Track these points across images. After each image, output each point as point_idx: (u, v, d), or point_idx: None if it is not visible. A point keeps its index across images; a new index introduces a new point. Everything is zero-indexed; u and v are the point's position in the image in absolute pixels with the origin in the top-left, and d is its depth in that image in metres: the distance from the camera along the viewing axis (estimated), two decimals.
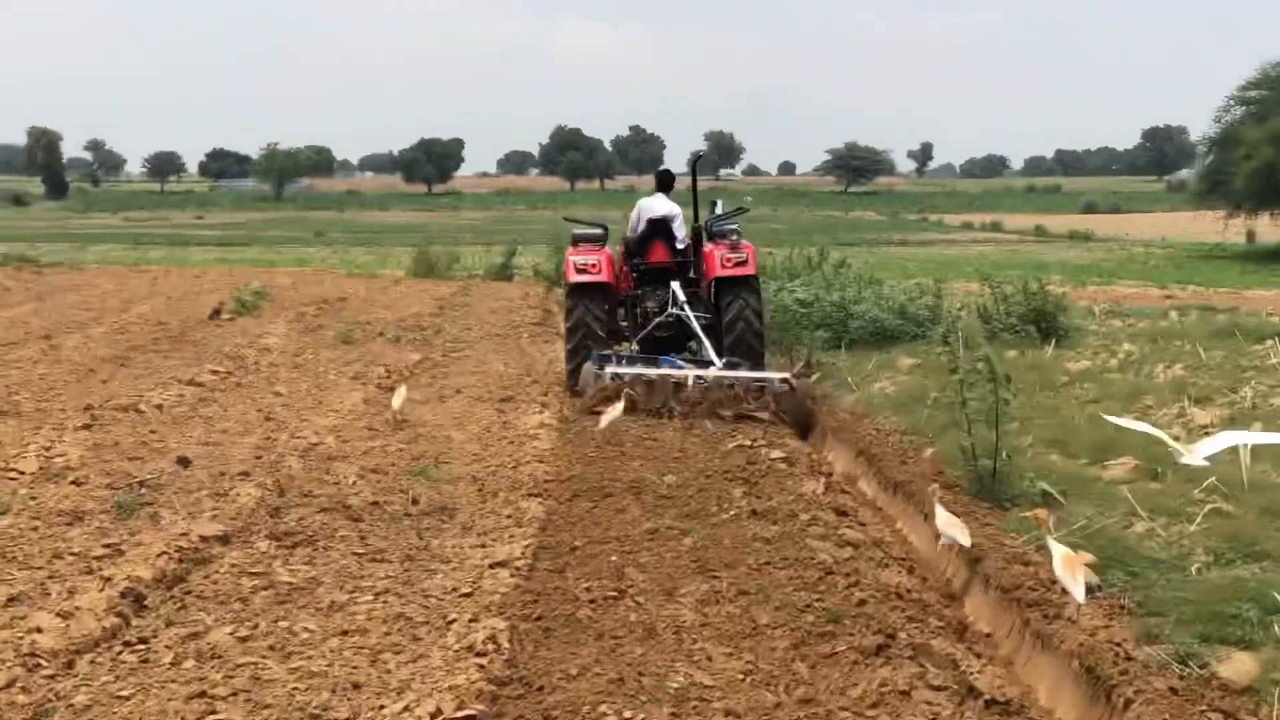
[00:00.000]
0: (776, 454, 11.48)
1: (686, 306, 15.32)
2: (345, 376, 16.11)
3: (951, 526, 8.45)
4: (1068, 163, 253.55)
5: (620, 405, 12.39)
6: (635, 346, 15.68)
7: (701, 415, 13.18)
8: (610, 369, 13.99)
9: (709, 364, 14.38)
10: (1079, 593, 7.06)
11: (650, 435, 12.65)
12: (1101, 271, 45.89)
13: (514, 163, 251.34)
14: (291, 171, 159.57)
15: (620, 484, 10.43)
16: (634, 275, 16.15)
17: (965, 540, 8.44)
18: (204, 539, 8.36)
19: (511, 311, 25.80)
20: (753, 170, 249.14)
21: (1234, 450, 11.34)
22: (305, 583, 7.62)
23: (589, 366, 14.21)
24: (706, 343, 14.90)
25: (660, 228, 16.10)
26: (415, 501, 9.61)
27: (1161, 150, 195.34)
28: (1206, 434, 12.78)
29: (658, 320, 15.58)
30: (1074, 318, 23.85)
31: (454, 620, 6.97)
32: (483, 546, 8.44)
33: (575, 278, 15.19)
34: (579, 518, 9.37)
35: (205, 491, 9.79)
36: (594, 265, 15.19)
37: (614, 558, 8.28)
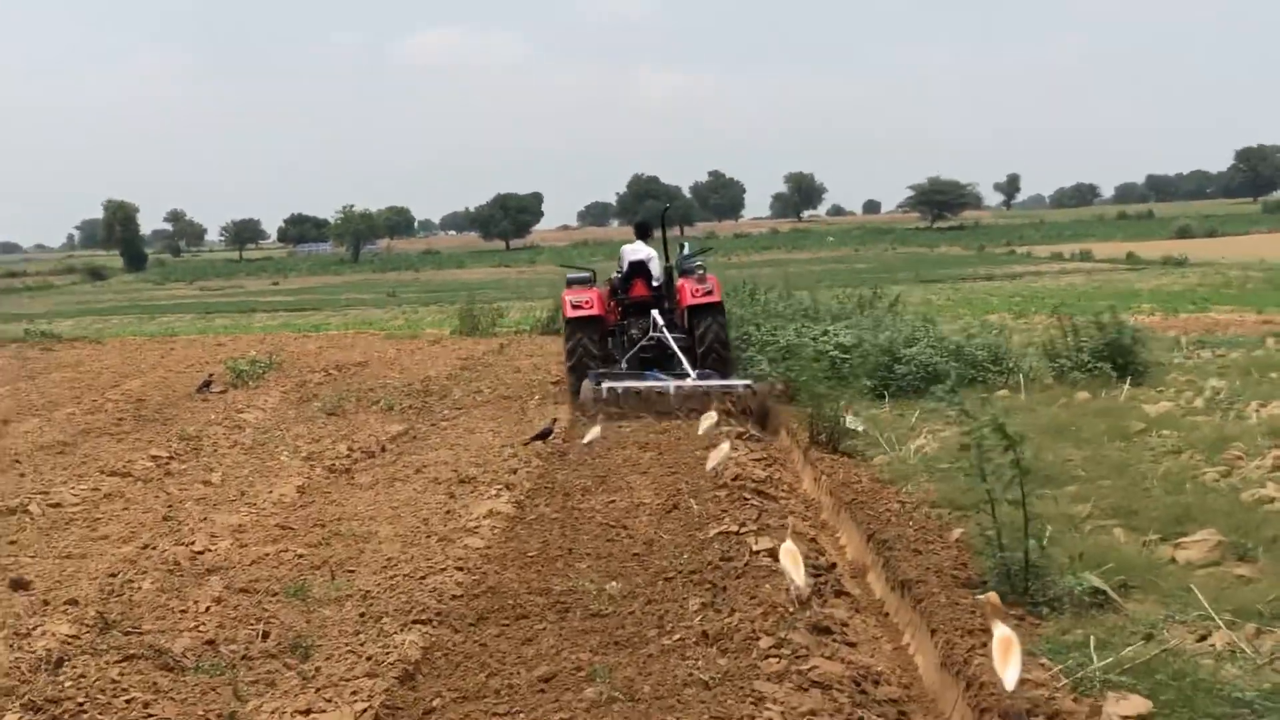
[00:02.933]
0: (764, 544, 9.13)
1: (665, 330, 18.00)
2: (299, 457, 14.11)
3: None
4: (1160, 188, 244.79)
5: (598, 428, 13.81)
6: (624, 366, 18.04)
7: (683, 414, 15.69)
8: (606, 384, 16.66)
9: (685, 375, 17.00)
10: (1011, 679, 5.91)
11: (621, 521, 10.43)
12: (1195, 298, 42.90)
13: (594, 214, 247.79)
14: (368, 233, 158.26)
15: (548, 597, 8.21)
16: (619, 309, 19.00)
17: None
18: None
19: (538, 370, 23.71)
20: (836, 210, 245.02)
21: None
22: None
23: (588, 383, 16.76)
24: (683, 358, 17.49)
25: (639, 269, 19.00)
26: (265, 636, 7.43)
27: (1256, 171, 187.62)
28: None
29: (642, 343, 18.35)
30: (1158, 351, 21.35)
31: None
32: (307, 713, 6.19)
33: (572, 313, 18.17)
34: (466, 655, 7.14)
35: (2, 631, 7.65)
36: (586, 302, 18.13)
37: None
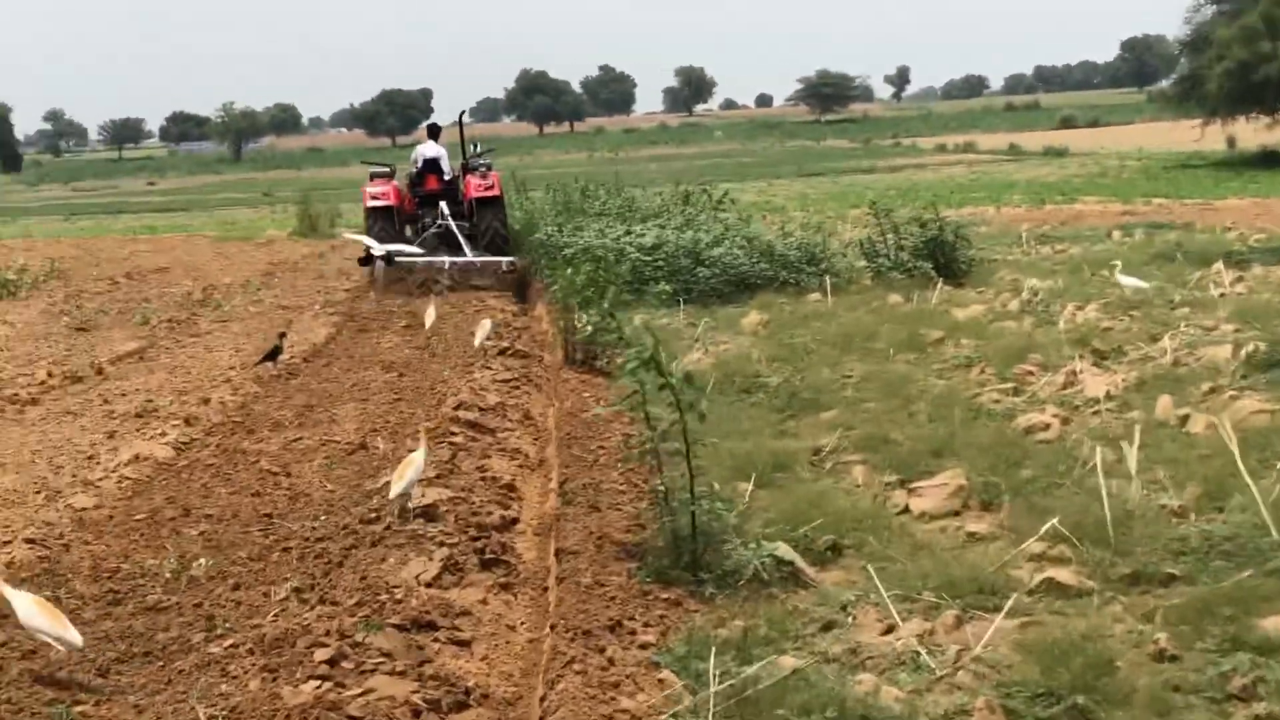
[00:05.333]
0: (432, 497, 7.52)
1: (450, 219, 20.21)
2: None
3: None
4: (1048, 79, 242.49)
5: (488, 323, 13.48)
6: (417, 249, 19.64)
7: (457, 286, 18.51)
8: (389, 253, 18.78)
9: (463, 255, 19.44)
10: None
11: (287, 468, 8.81)
12: (1068, 189, 41.84)
13: (486, 110, 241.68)
14: (251, 132, 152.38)
15: (110, 582, 6.58)
16: (415, 200, 21.18)
17: None
18: None
19: (343, 275, 21.99)
20: (729, 104, 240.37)
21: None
22: None
23: (380, 262, 18.88)
24: (464, 242, 19.78)
25: (432, 165, 21.29)
26: None
27: (1141, 61, 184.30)
28: (1096, 414, 9.15)
29: (431, 230, 20.29)
30: (998, 247, 20.15)
31: None
32: None
33: (370, 203, 20.56)
34: None
35: None
36: (384, 193, 20.46)
37: None
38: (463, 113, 24.71)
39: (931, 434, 8.70)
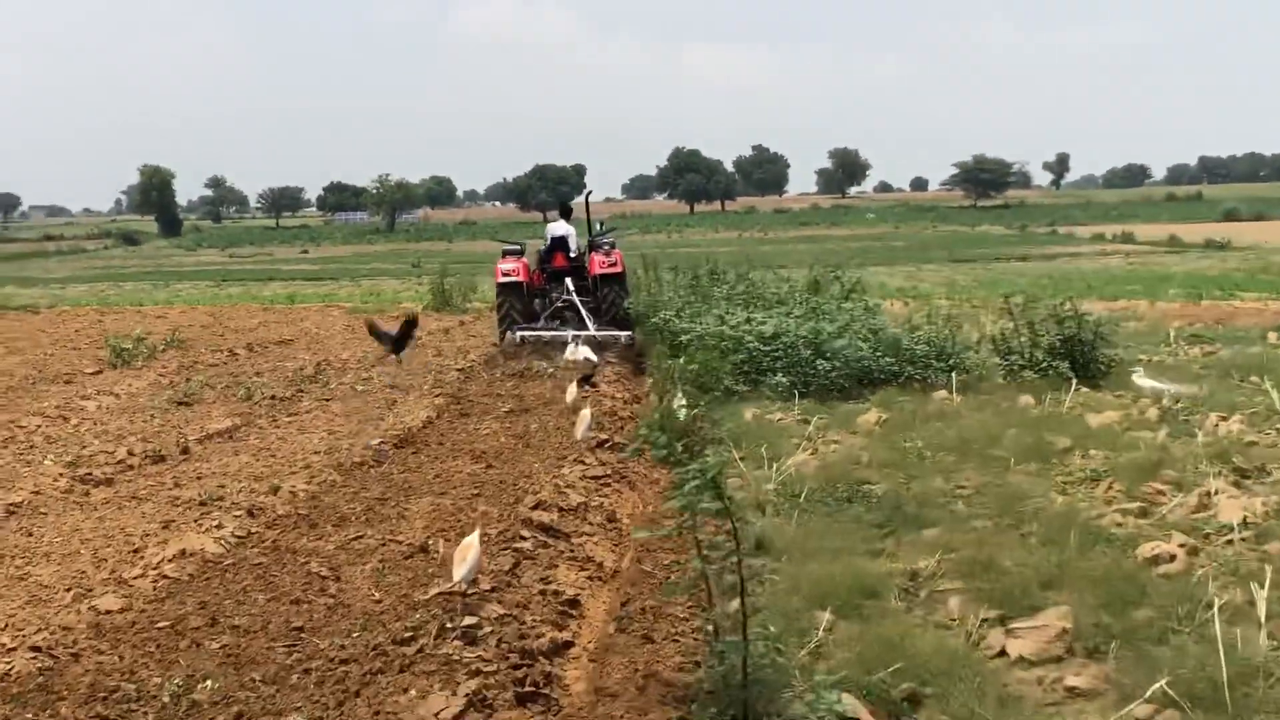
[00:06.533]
0: (483, 617, 6.85)
1: (574, 294, 21.59)
2: (62, 463, 12.02)
3: None
4: (1212, 170, 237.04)
5: (588, 414, 12.79)
6: (543, 322, 21.34)
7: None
8: (519, 333, 20.58)
9: (586, 329, 20.69)
10: None
11: (338, 571, 8.21)
12: (1227, 284, 40.14)
13: (639, 187, 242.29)
14: (405, 203, 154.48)
15: (92, 706, 5.99)
16: (544, 275, 22.41)
17: None
18: None
19: (462, 354, 21.58)
20: (884, 187, 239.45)
21: None
22: None
23: (509, 334, 20.75)
24: (587, 316, 21.16)
25: (560, 243, 22.60)
26: None
27: None
28: (1229, 543, 8.23)
29: (556, 305, 21.71)
30: (1144, 345, 19.04)
31: None
32: None
33: (502, 279, 21.57)
34: None
35: None
36: (514, 270, 21.50)
37: None
38: (588, 192, 25.53)
39: (1042, 561, 7.84)
